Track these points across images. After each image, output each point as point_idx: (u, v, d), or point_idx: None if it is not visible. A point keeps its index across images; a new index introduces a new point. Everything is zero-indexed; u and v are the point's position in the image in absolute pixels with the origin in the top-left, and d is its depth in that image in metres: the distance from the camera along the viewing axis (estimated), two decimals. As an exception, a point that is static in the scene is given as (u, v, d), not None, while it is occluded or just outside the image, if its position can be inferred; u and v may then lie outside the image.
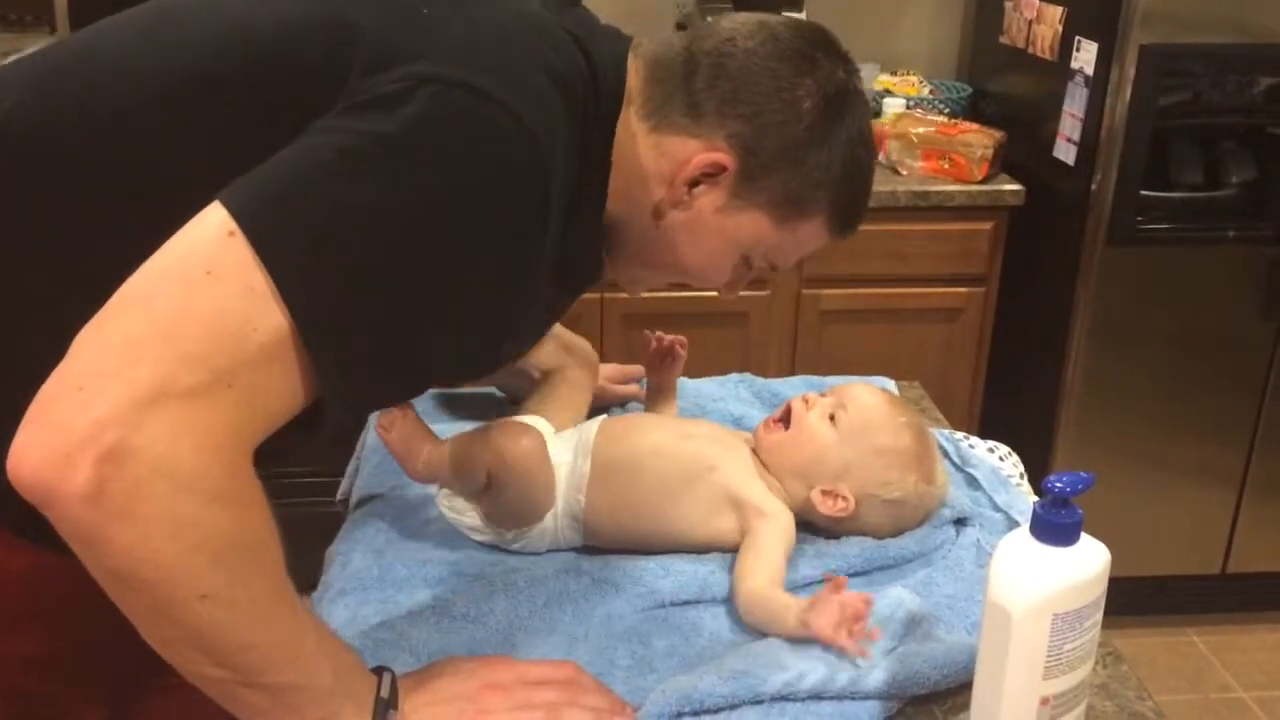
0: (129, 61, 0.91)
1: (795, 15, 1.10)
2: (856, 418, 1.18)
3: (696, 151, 0.98)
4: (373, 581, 1.13)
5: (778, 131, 0.98)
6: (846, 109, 1.01)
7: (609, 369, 1.45)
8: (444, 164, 0.81)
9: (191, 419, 0.73)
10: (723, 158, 0.98)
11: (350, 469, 1.38)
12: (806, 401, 1.20)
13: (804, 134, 0.99)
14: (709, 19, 2.50)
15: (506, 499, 1.14)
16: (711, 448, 1.20)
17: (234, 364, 0.75)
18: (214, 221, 0.77)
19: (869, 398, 1.21)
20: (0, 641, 0.95)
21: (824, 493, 1.17)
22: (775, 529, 1.13)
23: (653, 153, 0.99)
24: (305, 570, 1.20)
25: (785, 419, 1.20)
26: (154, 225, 0.78)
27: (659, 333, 1.37)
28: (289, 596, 0.82)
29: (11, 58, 1.05)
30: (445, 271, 0.83)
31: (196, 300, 0.76)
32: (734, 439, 1.23)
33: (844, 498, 1.17)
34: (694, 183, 0.99)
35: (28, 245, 0.89)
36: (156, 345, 0.74)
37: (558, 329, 1.33)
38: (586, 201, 0.97)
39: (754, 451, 1.21)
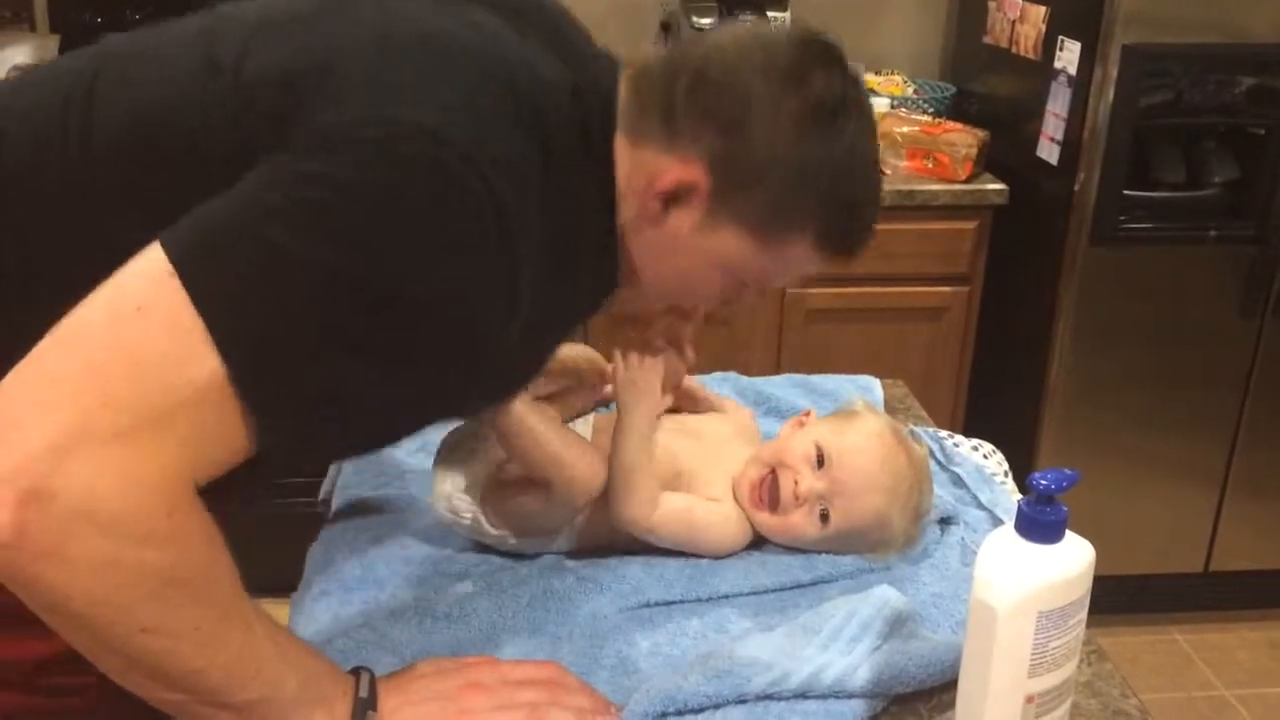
0: (108, 95, 0.88)
1: (798, 25, 1.03)
2: (854, 516, 1.12)
3: (669, 168, 0.91)
4: (354, 581, 1.12)
5: (756, 146, 0.91)
6: (839, 123, 0.92)
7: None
8: (396, 218, 0.76)
9: (117, 461, 0.72)
10: (695, 175, 0.91)
11: (332, 469, 1.37)
12: (797, 482, 1.12)
13: (786, 149, 0.91)
14: (702, 27, 2.50)
15: (547, 510, 1.11)
16: (692, 454, 1.18)
17: (165, 404, 0.73)
18: (151, 260, 0.75)
19: (870, 487, 1.12)
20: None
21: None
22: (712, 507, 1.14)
23: (628, 166, 0.93)
24: (287, 570, 1.19)
25: (773, 481, 1.14)
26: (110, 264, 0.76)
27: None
28: (241, 615, 0.80)
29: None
30: (388, 331, 0.78)
31: (123, 337, 0.74)
32: (731, 442, 1.22)
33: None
34: (668, 200, 0.93)
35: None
36: (80, 384, 0.72)
37: None
38: (587, 224, 0.93)
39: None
